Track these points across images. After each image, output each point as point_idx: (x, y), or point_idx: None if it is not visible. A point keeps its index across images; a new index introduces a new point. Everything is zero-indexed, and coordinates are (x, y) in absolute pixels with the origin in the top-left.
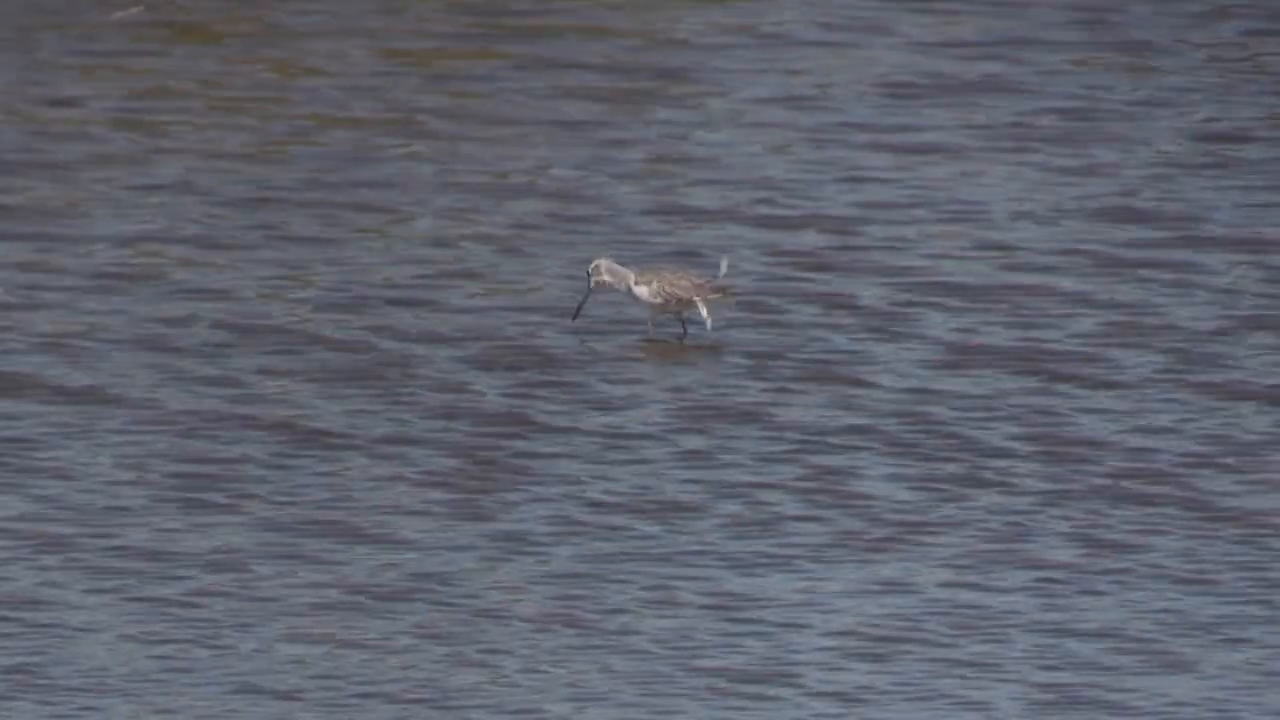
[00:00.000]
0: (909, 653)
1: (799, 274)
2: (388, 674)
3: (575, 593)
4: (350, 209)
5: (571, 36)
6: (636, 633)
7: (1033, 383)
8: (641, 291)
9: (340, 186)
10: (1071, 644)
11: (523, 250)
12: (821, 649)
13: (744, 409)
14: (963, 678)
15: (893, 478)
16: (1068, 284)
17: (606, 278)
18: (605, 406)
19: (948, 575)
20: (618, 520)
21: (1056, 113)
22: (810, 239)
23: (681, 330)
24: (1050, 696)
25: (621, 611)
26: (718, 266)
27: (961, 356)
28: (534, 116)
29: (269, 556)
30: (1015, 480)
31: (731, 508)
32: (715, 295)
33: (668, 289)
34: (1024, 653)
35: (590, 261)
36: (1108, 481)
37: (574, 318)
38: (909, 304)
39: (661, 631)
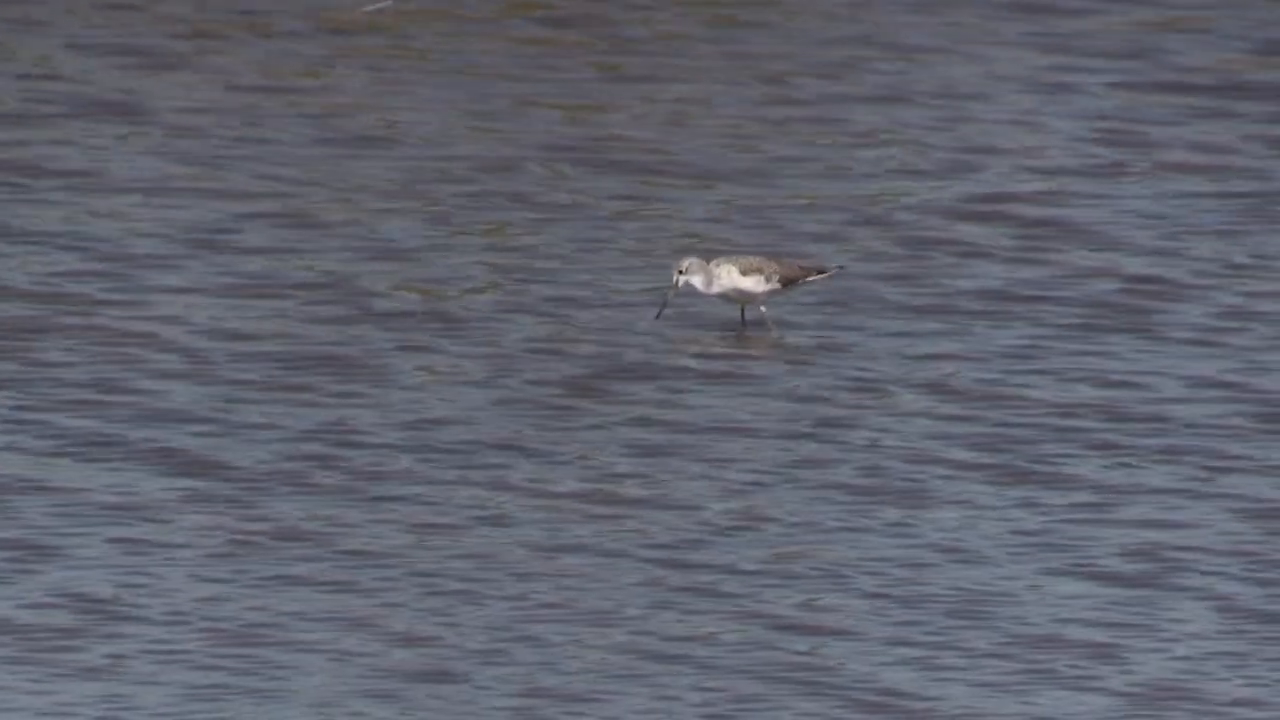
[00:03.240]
0: None
1: None
2: None
3: None
4: None
5: None
6: None
7: None
8: (749, 282)
9: None
10: None
11: None
12: None
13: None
14: None
15: None
16: None
17: (695, 280)
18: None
19: None
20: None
21: None
22: None
23: (742, 321)
24: None
25: None
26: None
27: None
28: None
29: None
30: None
31: None
32: (821, 275)
33: (781, 272)
34: None
35: (680, 260)
36: None
37: (657, 316)
38: None
39: None
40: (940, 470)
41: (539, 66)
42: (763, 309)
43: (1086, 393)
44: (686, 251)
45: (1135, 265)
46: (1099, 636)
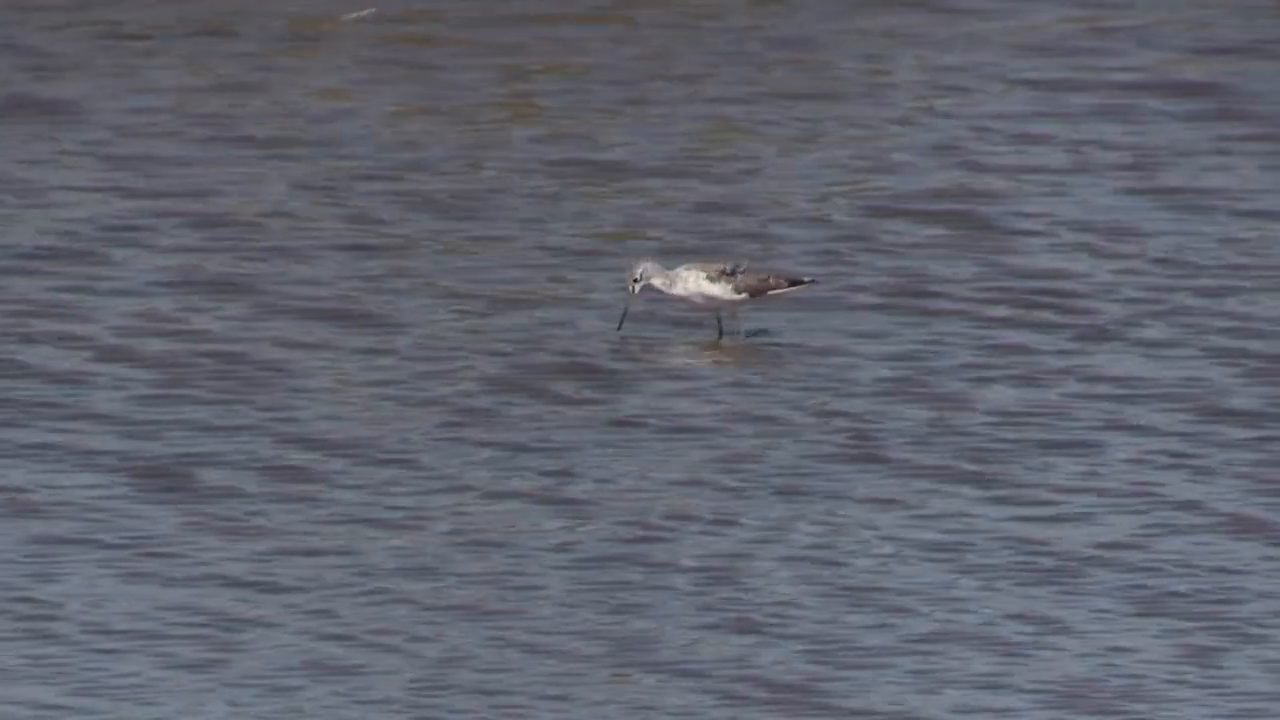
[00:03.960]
0: None
1: None
2: None
3: None
4: None
5: None
6: None
7: None
8: (716, 289)
9: None
10: None
11: None
12: None
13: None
14: None
15: None
16: None
17: (656, 281)
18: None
19: None
20: None
21: None
22: None
23: (719, 331)
24: None
25: None
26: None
27: None
28: None
29: None
30: None
31: None
32: (795, 286)
33: (747, 283)
34: None
35: (633, 267)
36: None
37: (619, 328)
38: None
39: None
40: (874, 468)
41: (476, 68)
42: (737, 317)
43: (1030, 395)
44: (635, 256)
45: (1050, 262)
46: (1013, 636)
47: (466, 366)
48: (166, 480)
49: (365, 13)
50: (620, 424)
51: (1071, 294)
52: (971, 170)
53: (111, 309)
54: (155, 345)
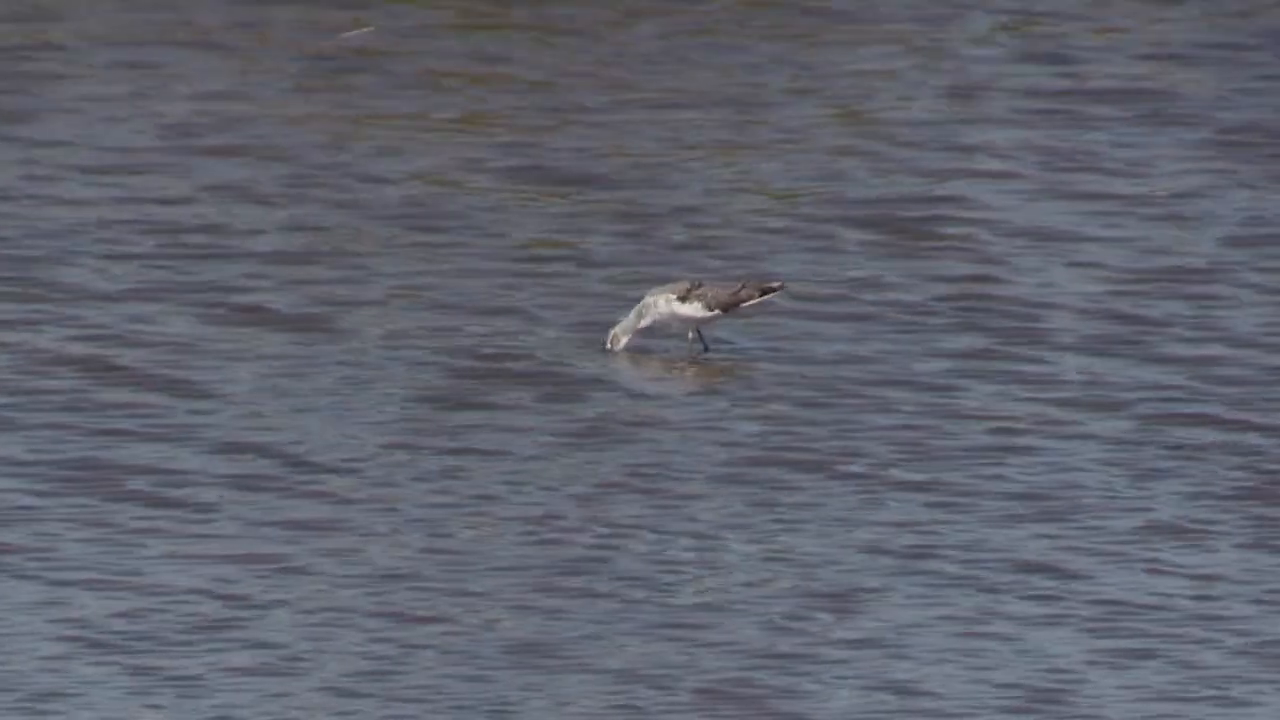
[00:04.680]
0: None
1: None
2: None
3: None
4: None
5: None
6: None
7: None
8: (689, 309)
9: None
10: None
11: None
12: None
13: None
14: None
15: None
16: None
17: (622, 335)
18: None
19: None
20: None
21: None
22: None
23: (702, 346)
24: None
25: None
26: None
27: None
28: None
29: None
30: None
31: None
32: (765, 295)
33: (719, 298)
34: None
35: (606, 335)
36: None
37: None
38: None
39: None
40: (788, 473)
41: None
42: (699, 331)
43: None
44: (603, 327)
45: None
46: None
47: (414, 372)
48: (88, 486)
49: (365, 30)
50: (573, 432)
51: (1008, 299)
52: (907, 176)
53: (50, 315)
54: (79, 350)
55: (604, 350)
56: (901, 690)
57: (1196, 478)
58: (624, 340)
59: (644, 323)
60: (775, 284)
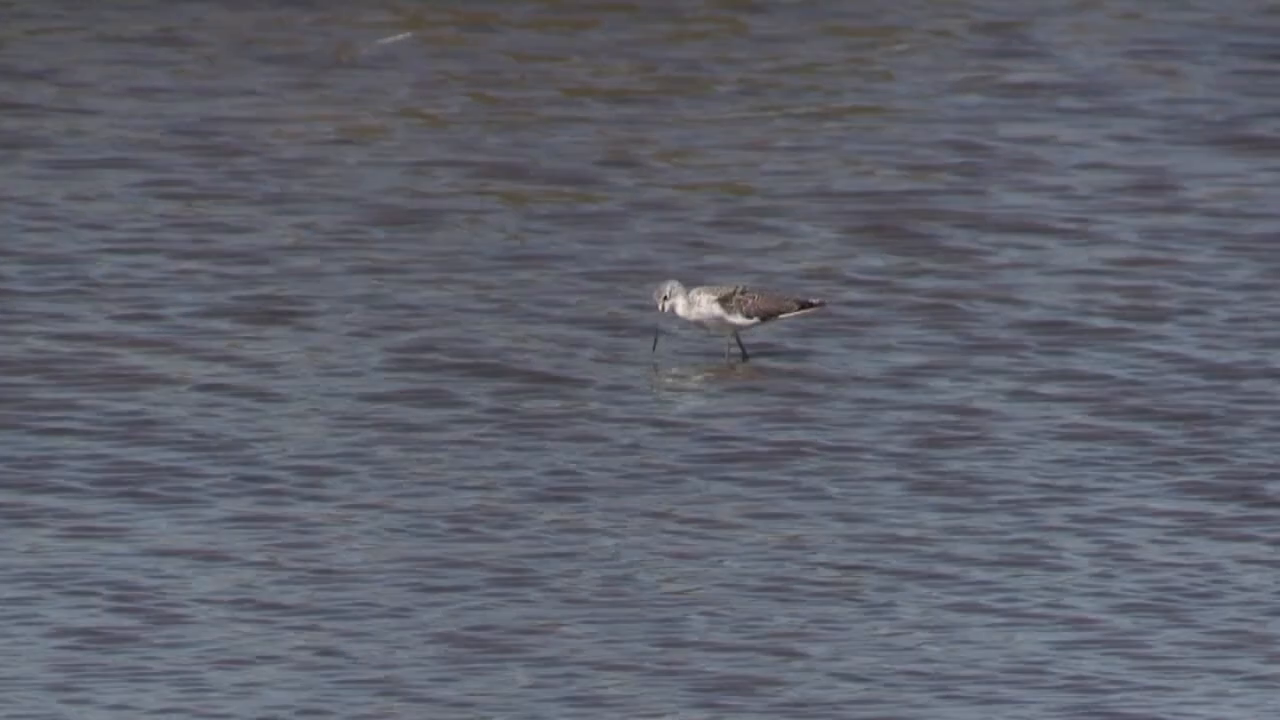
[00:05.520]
0: None
1: None
2: None
3: None
4: None
5: None
6: None
7: None
8: (729, 313)
9: None
10: None
11: None
12: None
13: None
14: None
15: None
16: None
17: (679, 305)
18: None
19: None
20: None
21: None
22: None
23: (740, 352)
24: None
25: None
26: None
27: None
28: None
29: None
30: None
31: None
32: (806, 309)
33: (762, 305)
34: None
35: (660, 285)
36: None
37: (653, 348)
38: None
39: None
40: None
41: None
42: (739, 338)
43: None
44: (660, 277)
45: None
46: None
47: (377, 368)
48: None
49: (400, 37)
50: (533, 430)
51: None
52: (870, 169)
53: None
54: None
55: (656, 309)
56: (910, 672)
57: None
58: (678, 306)
59: (689, 314)
60: (814, 300)
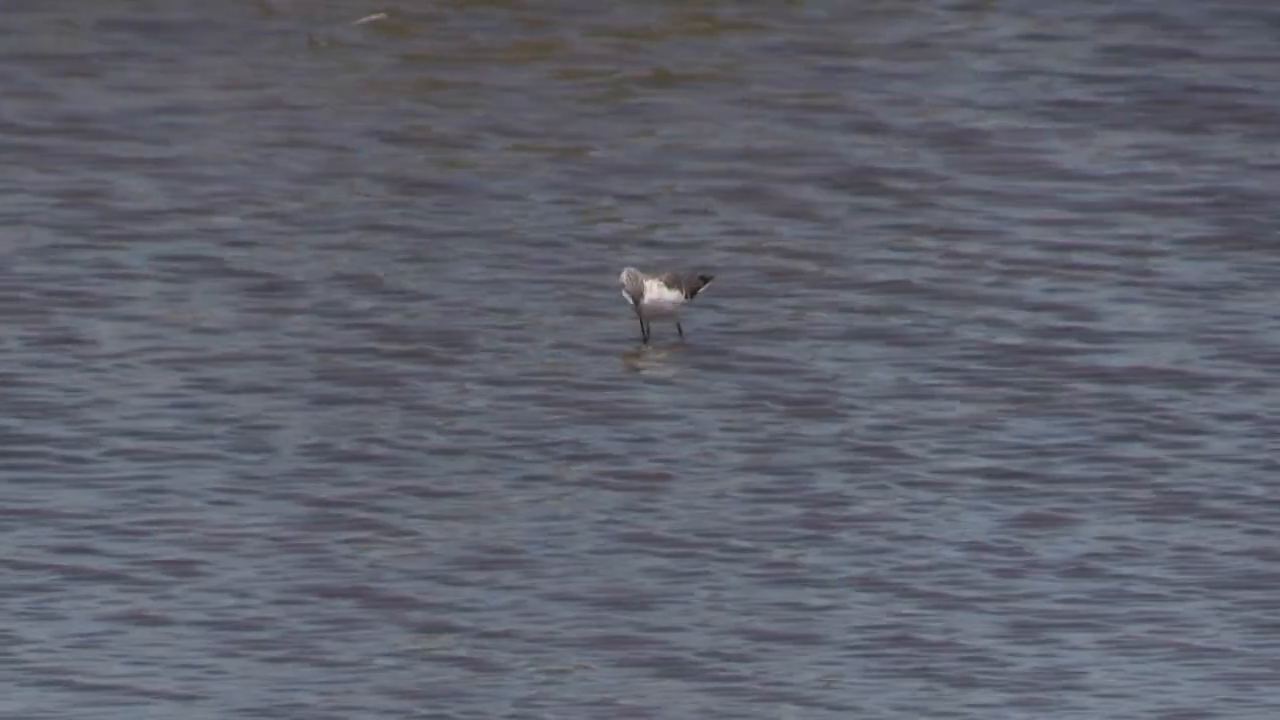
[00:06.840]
0: None
1: None
2: None
3: None
4: None
5: None
6: None
7: None
8: (672, 295)
9: None
10: None
11: None
12: None
13: None
14: None
15: None
16: None
17: (630, 294)
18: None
19: None
20: None
21: None
22: None
23: (678, 331)
24: None
25: None
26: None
27: None
28: None
29: None
30: None
31: None
32: (705, 281)
33: (689, 284)
34: None
35: (620, 274)
36: None
37: (645, 339)
38: None
39: None
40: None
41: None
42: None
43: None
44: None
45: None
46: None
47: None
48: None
49: (377, 16)
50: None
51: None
52: (836, 159)
53: None
54: None
55: (623, 292)
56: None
57: None
58: (648, 291)
59: (643, 301)
60: (708, 274)
